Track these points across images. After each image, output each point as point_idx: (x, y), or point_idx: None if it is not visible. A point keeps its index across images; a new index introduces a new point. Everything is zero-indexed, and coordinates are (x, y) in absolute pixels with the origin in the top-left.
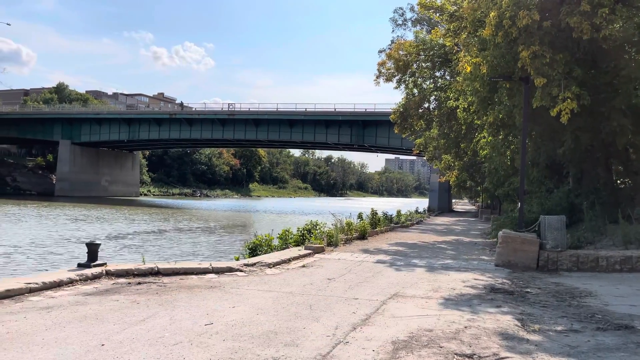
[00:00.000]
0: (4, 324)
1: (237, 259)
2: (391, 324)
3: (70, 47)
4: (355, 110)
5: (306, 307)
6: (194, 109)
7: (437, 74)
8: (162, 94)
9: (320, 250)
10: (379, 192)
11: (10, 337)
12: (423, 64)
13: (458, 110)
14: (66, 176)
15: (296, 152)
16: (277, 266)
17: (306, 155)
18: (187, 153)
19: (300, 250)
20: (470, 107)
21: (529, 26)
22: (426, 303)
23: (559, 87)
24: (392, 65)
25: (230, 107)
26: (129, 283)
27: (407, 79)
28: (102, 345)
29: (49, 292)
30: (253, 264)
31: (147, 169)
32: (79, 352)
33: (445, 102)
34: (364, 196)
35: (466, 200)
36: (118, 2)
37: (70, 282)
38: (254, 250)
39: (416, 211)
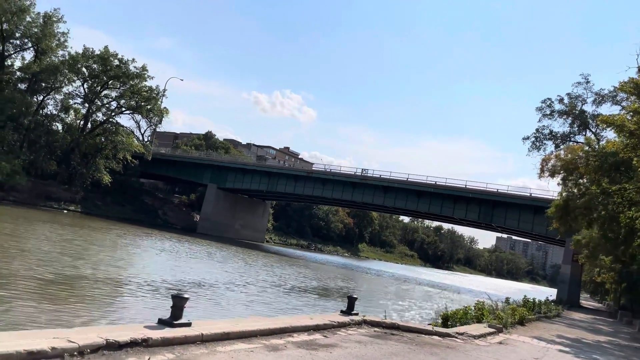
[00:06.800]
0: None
1: (434, 326)
2: None
3: (188, 87)
4: (487, 189)
5: None
6: (328, 170)
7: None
8: (288, 148)
9: (500, 330)
10: (487, 270)
11: None
12: (592, 167)
13: (621, 215)
14: (209, 216)
15: (405, 218)
16: (480, 339)
17: (415, 223)
18: (307, 207)
19: (485, 328)
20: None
21: None
22: None
23: None
24: (557, 164)
25: (364, 172)
26: (385, 333)
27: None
28: None
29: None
30: (462, 333)
31: (271, 217)
32: None
33: (613, 206)
34: (471, 273)
35: (587, 295)
36: (229, 45)
37: (343, 325)
38: (445, 320)
39: (545, 302)
